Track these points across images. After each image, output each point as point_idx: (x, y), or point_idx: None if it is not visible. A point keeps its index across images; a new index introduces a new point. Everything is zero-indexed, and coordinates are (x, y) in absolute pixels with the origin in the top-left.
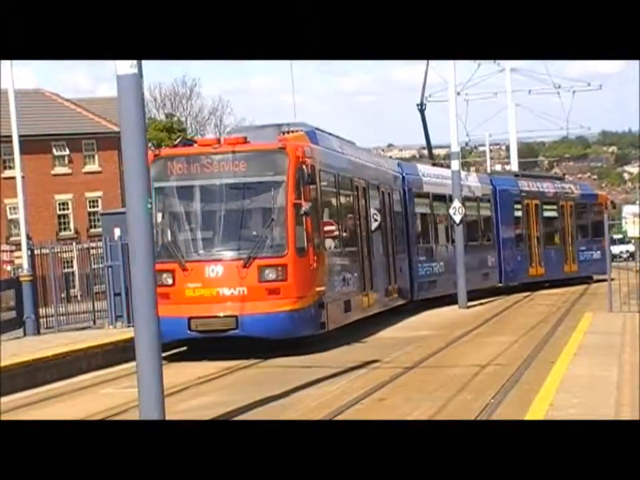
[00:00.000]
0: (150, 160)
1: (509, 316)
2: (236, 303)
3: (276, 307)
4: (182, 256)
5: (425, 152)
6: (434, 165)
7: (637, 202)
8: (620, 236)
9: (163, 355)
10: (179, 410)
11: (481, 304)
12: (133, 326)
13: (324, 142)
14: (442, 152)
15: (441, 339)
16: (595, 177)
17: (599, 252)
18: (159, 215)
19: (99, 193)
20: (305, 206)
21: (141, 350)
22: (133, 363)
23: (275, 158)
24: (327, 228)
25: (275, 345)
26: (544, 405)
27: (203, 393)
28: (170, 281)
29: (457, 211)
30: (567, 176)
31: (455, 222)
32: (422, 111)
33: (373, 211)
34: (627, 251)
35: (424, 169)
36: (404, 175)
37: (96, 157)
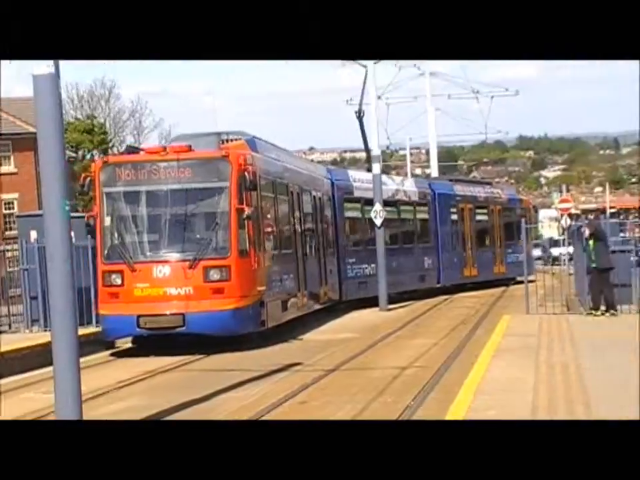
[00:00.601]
0: (98, 167)
1: (429, 319)
2: (182, 301)
3: (220, 306)
4: (130, 257)
5: (347, 155)
6: (369, 170)
7: (553, 206)
8: (562, 237)
9: (112, 350)
10: (98, 414)
11: (402, 307)
12: (50, 330)
13: (262, 149)
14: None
15: (363, 342)
16: (512, 181)
17: (524, 254)
18: (108, 219)
19: (15, 195)
20: (247, 210)
21: (59, 353)
22: (51, 367)
23: (219, 165)
24: (266, 230)
25: (219, 341)
26: (463, 407)
27: (122, 397)
28: (119, 281)
29: (377, 215)
30: (488, 180)
31: (376, 225)
32: (360, 118)
33: (304, 215)
34: (568, 253)
35: (356, 174)
36: (333, 180)
37: (12, 158)
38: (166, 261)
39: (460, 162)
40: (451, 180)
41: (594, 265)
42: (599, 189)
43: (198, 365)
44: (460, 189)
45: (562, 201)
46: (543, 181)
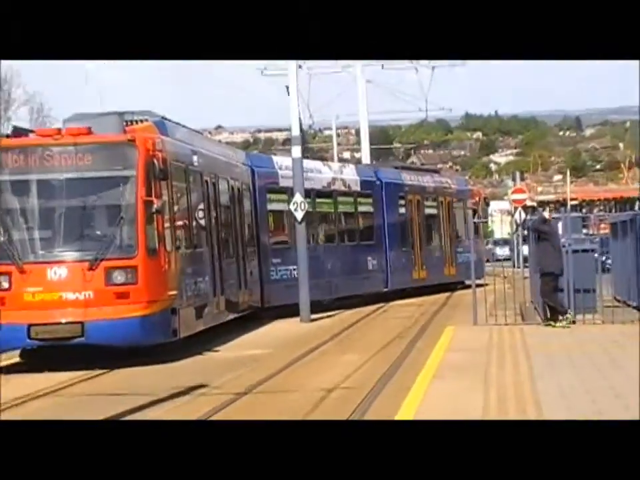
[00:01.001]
0: None
1: (359, 331)
2: (81, 308)
3: (125, 313)
4: (19, 257)
5: (262, 136)
6: (306, 157)
7: (506, 197)
8: (515, 234)
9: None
10: None
11: (328, 316)
12: None
13: (173, 132)
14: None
15: (280, 358)
16: (457, 167)
17: (475, 253)
18: None
19: None
20: (157, 203)
21: None
22: None
23: (124, 151)
24: (178, 226)
25: (124, 354)
26: None
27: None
28: (6, 285)
29: (298, 207)
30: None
31: (296, 220)
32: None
33: (221, 208)
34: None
35: (282, 161)
36: (254, 168)
37: None
38: (62, 261)
39: (396, 144)
40: (396, 167)
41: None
42: (558, 177)
43: (92, 385)
44: (408, 178)
45: (515, 192)
46: (493, 167)
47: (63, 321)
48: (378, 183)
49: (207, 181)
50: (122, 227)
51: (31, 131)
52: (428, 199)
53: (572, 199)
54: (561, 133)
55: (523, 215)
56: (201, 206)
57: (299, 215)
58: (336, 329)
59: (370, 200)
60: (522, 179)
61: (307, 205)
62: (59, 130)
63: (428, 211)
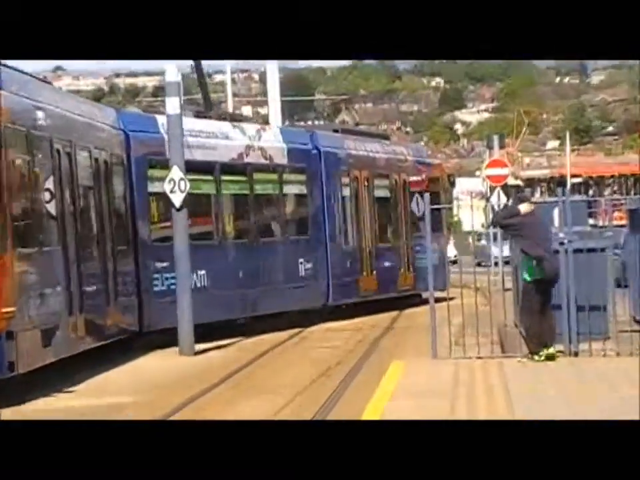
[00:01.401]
0: None
1: (268, 367)
2: None
3: None
4: None
5: (120, 82)
6: (203, 116)
7: (479, 173)
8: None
9: None
10: None
11: (220, 346)
12: None
13: (11, 83)
14: (150, 82)
15: (148, 410)
16: (408, 128)
17: (436, 254)
18: None
19: None
20: None
21: None
22: None
23: None
24: (15, 215)
25: None
26: None
27: None
28: None
29: (175, 186)
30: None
31: (173, 205)
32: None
33: (80, 189)
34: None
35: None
36: (129, 132)
37: None
38: None
39: (319, 95)
40: (335, 130)
41: (524, 276)
42: (553, 143)
43: None
44: (353, 146)
45: (492, 165)
46: (459, 128)
47: None
48: (315, 152)
49: (58, 151)
50: None
51: None
52: (379, 175)
53: (573, 175)
54: (558, 80)
55: (504, 199)
56: (49, 186)
57: (177, 199)
58: (232, 365)
59: (302, 177)
60: (501, 147)
61: (188, 184)
62: None
63: (379, 192)
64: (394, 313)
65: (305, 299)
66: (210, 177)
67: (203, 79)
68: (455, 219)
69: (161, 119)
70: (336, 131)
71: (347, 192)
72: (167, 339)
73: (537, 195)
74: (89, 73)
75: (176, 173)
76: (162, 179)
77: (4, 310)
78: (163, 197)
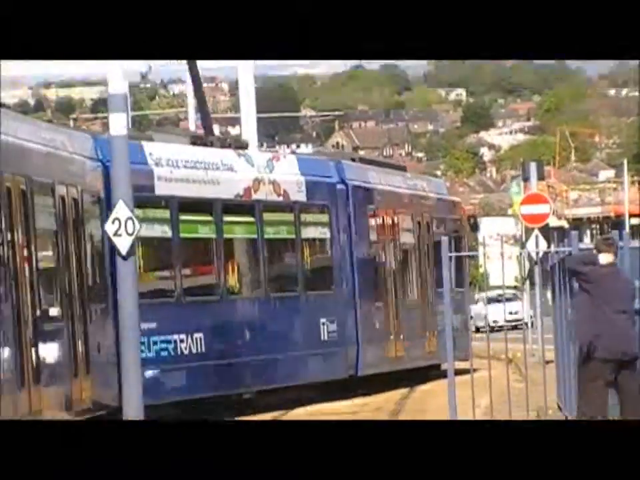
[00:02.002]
0: None
1: None
2: None
3: None
4: None
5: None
6: (201, 143)
7: (511, 212)
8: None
9: None
10: None
11: None
12: None
13: None
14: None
15: None
16: (420, 153)
17: (458, 316)
18: None
19: None
20: None
21: None
22: None
23: None
24: None
25: None
26: None
27: None
28: None
29: (122, 227)
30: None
31: (118, 252)
32: None
33: (40, 235)
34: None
35: (161, 150)
36: (106, 163)
37: None
38: None
39: (306, 110)
40: (352, 159)
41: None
42: (607, 173)
43: None
44: (377, 179)
45: (528, 200)
46: (485, 154)
47: None
48: (341, 187)
49: (8, 189)
50: None
51: None
52: (403, 216)
53: (633, 215)
54: (613, 92)
55: (543, 244)
56: None
57: (123, 243)
58: None
59: (325, 217)
60: (540, 177)
61: (137, 224)
62: None
63: (404, 237)
64: (402, 391)
65: (328, 368)
66: (209, 218)
67: (200, 91)
68: (481, 270)
69: (149, 148)
70: (353, 159)
71: (373, 236)
72: (153, 414)
73: (587, 239)
74: (8, 82)
75: (121, 210)
76: (150, 220)
77: None
78: (151, 242)
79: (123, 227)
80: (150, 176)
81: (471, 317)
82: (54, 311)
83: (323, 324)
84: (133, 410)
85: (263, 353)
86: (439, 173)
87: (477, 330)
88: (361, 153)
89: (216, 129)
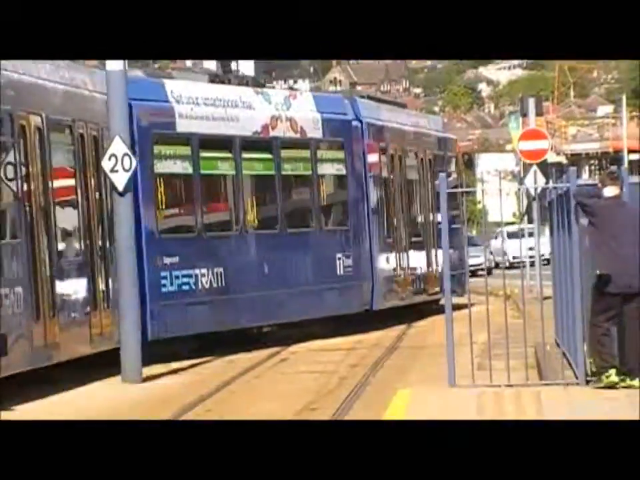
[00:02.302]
0: None
1: (229, 402)
2: None
3: None
4: None
5: None
6: (219, 81)
7: (509, 147)
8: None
9: None
10: None
11: (174, 371)
12: None
13: None
14: None
15: None
16: (417, 88)
17: (457, 251)
18: None
19: None
20: None
21: None
22: None
23: None
24: None
25: None
26: None
27: None
28: None
29: (118, 163)
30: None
31: (115, 188)
32: None
33: (49, 168)
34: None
35: (182, 87)
36: (130, 100)
37: None
38: None
39: None
40: (362, 97)
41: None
42: (605, 108)
43: None
44: (387, 117)
45: (526, 136)
46: (483, 89)
47: None
48: (356, 124)
49: (22, 127)
50: None
51: None
52: (409, 152)
53: (632, 150)
54: None
55: (541, 179)
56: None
57: (120, 179)
58: (191, 395)
59: (341, 154)
60: (539, 113)
61: (133, 160)
62: None
63: (410, 174)
64: (401, 327)
65: (345, 302)
66: (228, 154)
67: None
68: (479, 206)
69: (170, 85)
70: (362, 97)
71: (384, 172)
72: (176, 348)
73: (585, 175)
74: None
75: (118, 146)
76: (171, 158)
77: None
78: (172, 179)
79: (120, 163)
80: (172, 113)
81: (490, 253)
82: (73, 247)
83: (339, 259)
84: (132, 341)
85: (281, 287)
86: (436, 109)
87: (497, 265)
88: (358, 88)
89: (212, 65)
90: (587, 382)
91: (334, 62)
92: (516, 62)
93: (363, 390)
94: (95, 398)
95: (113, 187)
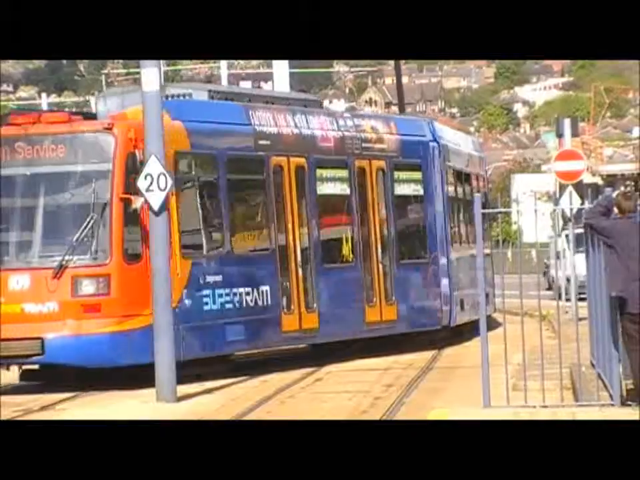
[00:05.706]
0: None
1: (270, 418)
2: (43, 322)
3: (94, 328)
4: None
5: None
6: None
7: (545, 168)
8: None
9: None
10: None
11: (208, 390)
12: None
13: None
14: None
15: None
16: (453, 108)
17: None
18: None
19: None
20: (136, 202)
21: None
22: None
23: (99, 141)
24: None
25: (93, 376)
26: None
27: None
28: None
29: (154, 182)
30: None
31: (151, 208)
32: None
33: None
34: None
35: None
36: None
37: None
38: (25, 268)
39: (339, 67)
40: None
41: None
42: None
43: None
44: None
45: (562, 157)
46: (520, 110)
47: (23, 336)
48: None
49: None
50: (94, 229)
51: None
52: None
53: None
54: None
55: (577, 200)
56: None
57: (155, 199)
58: (223, 417)
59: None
60: (575, 134)
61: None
62: (39, 116)
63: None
64: (432, 351)
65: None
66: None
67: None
68: (514, 227)
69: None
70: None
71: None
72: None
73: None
74: None
75: (154, 166)
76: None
77: None
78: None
79: (155, 183)
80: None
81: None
82: None
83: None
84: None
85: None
86: (472, 129)
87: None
88: (394, 108)
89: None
90: (622, 403)
91: (369, 82)
92: (552, 82)
93: (398, 410)
94: (131, 417)
95: (150, 207)
